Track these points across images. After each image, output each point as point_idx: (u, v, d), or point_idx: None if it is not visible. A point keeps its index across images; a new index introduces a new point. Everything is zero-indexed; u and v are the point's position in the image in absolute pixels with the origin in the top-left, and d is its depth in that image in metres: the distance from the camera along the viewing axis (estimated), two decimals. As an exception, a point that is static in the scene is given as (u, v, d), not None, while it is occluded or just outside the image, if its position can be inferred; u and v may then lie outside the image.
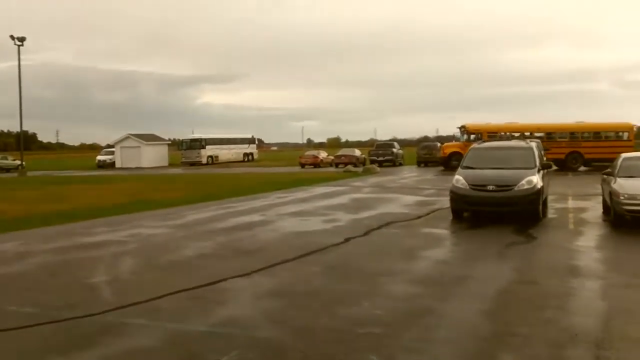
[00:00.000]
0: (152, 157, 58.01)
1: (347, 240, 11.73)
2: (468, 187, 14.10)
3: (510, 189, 13.77)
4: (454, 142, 37.70)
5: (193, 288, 7.85)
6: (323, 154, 49.77)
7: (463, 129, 38.73)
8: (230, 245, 11.56)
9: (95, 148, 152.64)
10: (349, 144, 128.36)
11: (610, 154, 34.12)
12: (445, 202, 18.72)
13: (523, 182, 13.80)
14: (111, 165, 59.02)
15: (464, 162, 15.34)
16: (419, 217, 15.25)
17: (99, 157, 61.73)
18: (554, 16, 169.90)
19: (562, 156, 37.09)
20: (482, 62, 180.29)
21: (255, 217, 15.78)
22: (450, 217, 14.95)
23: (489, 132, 36.30)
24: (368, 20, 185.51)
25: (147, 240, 12.26)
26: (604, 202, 15.44)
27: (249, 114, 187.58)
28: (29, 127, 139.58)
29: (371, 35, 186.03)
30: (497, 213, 14.30)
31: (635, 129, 39.27)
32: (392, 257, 10.10)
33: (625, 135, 38.24)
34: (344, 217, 15.39)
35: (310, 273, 8.87)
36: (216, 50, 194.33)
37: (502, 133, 36.85)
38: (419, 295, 7.43)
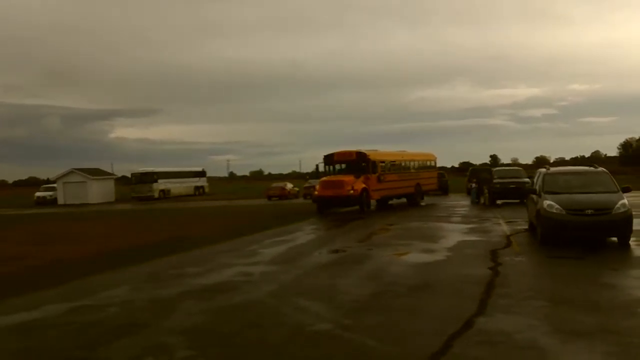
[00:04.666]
0: (99, 192, 54.75)
1: (494, 270, 11.04)
2: (564, 212, 13.70)
3: (608, 213, 13.51)
4: (352, 177, 27.51)
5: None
6: (289, 186, 48.98)
7: (359, 158, 28.96)
8: (383, 280, 10.49)
9: (2, 185, 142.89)
10: (272, 177, 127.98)
11: (429, 185, 34.76)
12: (489, 226, 18.80)
13: (618, 205, 13.58)
14: (52, 202, 55.18)
15: (545, 188, 14.93)
16: (507, 245, 14.65)
17: (39, 194, 57.55)
18: (455, 58, 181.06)
19: (412, 189, 32.39)
20: (394, 99, 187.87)
21: (340, 247, 14.88)
22: (532, 241, 14.86)
23: (380, 161, 29.82)
24: (285, 57, 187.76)
25: (277, 280, 10.93)
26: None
27: (167, 148, 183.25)
28: None
29: (289, 72, 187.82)
30: (592, 238, 14.10)
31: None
32: (594, 292, 9.08)
33: (434, 164, 37.48)
34: (434, 247, 14.66)
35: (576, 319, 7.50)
36: (129, 84, 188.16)
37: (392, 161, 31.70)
38: None
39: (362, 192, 27.29)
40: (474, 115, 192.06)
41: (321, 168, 30.36)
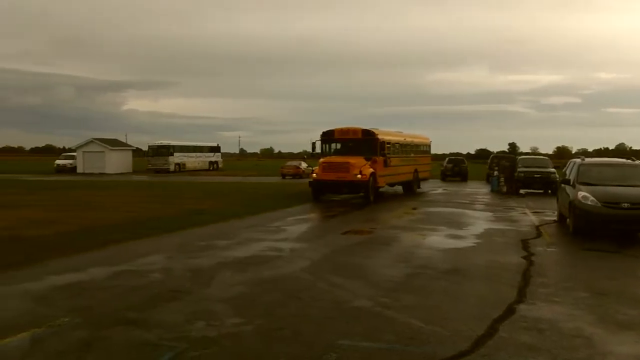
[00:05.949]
0: (117, 163, 54.97)
1: (527, 259, 10.94)
2: (600, 205, 13.55)
3: None
4: (361, 159, 23.33)
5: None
6: (304, 165, 48.78)
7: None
8: (415, 263, 10.53)
9: (19, 151, 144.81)
10: (282, 155, 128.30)
11: (424, 172, 31.27)
12: (516, 216, 18.64)
13: None
14: (71, 170, 55.53)
15: (580, 178, 14.76)
16: (538, 235, 14.50)
17: (58, 162, 58.02)
18: (471, 42, 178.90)
19: (411, 176, 29.12)
20: (408, 80, 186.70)
21: (365, 229, 14.84)
22: (563, 233, 14.72)
23: (387, 142, 25.51)
24: (298, 33, 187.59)
25: (307, 257, 10.94)
26: None
27: (178, 122, 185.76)
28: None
29: (302, 48, 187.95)
30: (626, 232, 13.96)
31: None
32: (634, 285, 9.17)
33: (428, 149, 34.04)
34: (462, 233, 14.59)
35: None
36: (140, 56, 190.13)
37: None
38: None
39: (370, 178, 23.19)
40: (491, 100, 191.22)
41: (318, 147, 25.74)
